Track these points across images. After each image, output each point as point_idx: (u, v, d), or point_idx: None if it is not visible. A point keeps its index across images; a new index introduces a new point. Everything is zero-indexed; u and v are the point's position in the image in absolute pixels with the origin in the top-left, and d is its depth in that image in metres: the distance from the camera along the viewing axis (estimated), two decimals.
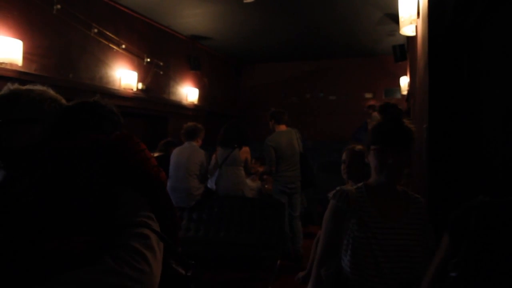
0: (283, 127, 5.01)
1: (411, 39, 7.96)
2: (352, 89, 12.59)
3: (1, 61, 4.97)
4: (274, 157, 4.78)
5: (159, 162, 4.27)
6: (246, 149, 4.79)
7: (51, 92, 1.40)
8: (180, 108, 9.52)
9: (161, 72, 8.71)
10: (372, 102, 11.29)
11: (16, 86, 1.36)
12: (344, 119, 12.28)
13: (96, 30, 6.69)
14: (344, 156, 2.70)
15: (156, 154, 4.97)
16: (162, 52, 8.81)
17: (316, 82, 12.89)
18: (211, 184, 4.99)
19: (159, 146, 5.18)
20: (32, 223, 1.02)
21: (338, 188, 1.83)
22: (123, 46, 7.44)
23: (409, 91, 8.22)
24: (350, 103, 12.57)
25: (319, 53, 11.93)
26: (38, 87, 1.40)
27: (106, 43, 7.04)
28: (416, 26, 3.91)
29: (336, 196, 1.79)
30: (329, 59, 12.49)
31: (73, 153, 1.17)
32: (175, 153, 4.54)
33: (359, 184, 1.83)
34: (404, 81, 9.56)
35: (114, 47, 7.24)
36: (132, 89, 7.60)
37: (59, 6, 5.86)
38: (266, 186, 5.43)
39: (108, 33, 7.02)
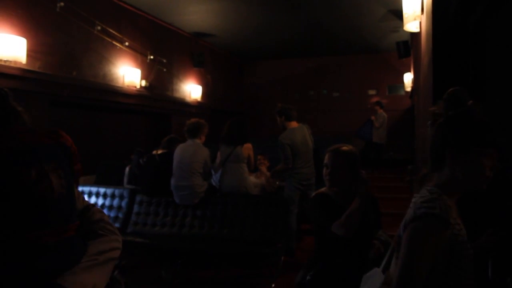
0: (294, 124, 4.93)
1: (415, 36, 7.93)
2: (356, 86, 12.56)
3: (6, 59, 4.98)
4: (290, 155, 4.72)
5: (163, 159, 4.27)
6: (248, 145, 4.76)
7: None
8: (184, 105, 9.53)
9: (164, 69, 8.71)
10: (377, 99, 11.24)
11: None
12: (347, 116, 12.25)
13: (99, 28, 6.70)
14: (326, 159, 2.32)
15: (159, 152, 4.97)
16: (165, 49, 8.81)
17: (319, 79, 12.87)
18: (215, 181, 4.99)
19: (162, 143, 5.18)
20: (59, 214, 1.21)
21: (429, 195, 1.37)
22: (126, 44, 7.44)
23: (413, 87, 8.21)
24: (353, 99, 12.55)
25: (322, 50, 11.90)
26: None
27: (109, 40, 7.05)
28: (420, 22, 3.89)
29: (438, 207, 1.33)
30: (332, 56, 12.45)
31: (51, 149, 1.27)
32: (178, 150, 4.53)
33: (431, 188, 1.41)
34: (408, 78, 9.53)
35: (118, 44, 7.25)
36: (135, 87, 7.60)
37: (62, 4, 5.87)
38: (277, 182, 5.45)
39: (111, 30, 7.03)
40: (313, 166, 4.90)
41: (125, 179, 5.40)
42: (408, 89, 9.56)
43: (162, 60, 8.56)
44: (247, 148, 4.72)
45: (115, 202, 4.77)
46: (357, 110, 12.21)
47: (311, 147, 4.91)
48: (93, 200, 4.81)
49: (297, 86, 13.11)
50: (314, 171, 4.90)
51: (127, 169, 5.42)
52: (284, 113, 4.90)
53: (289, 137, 4.75)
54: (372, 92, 12.50)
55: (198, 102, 10.10)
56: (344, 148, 2.32)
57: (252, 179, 5.06)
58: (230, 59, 12.43)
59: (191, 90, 9.91)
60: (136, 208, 4.68)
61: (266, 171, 5.84)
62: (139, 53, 7.90)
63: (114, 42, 7.16)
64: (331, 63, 12.63)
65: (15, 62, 5.11)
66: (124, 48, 7.40)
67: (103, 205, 4.77)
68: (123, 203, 4.73)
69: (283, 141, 4.74)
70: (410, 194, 7.69)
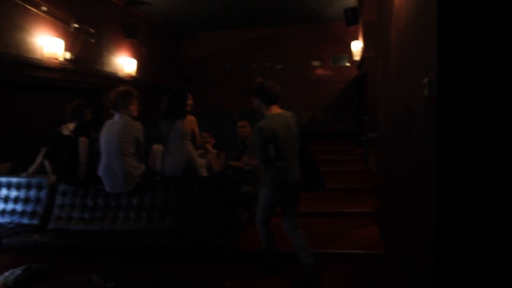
0: (276, 109, 3.59)
1: (365, 2, 7.54)
2: (299, 57, 12.20)
3: None
4: (259, 149, 3.46)
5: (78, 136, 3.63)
6: (191, 118, 4.07)
7: None
8: (116, 80, 8.59)
9: (93, 40, 7.77)
10: (321, 70, 10.93)
11: None
12: (291, 88, 11.86)
13: None
14: None
15: (71, 127, 4.09)
16: (92, 18, 7.84)
17: (262, 50, 12.39)
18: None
19: (68, 114, 4.24)
20: None
21: None
22: (45, 9, 6.43)
23: (363, 55, 7.86)
24: (297, 71, 12.18)
25: (264, 19, 11.31)
26: None
27: (22, 3, 6.01)
28: None
29: None
30: (275, 26, 11.94)
31: None
32: (104, 129, 3.79)
33: None
34: (356, 46, 9.15)
35: (33, 9, 6.23)
36: (57, 59, 6.65)
37: None
38: (232, 163, 4.96)
39: None
40: (298, 169, 3.61)
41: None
42: (357, 58, 9.22)
43: (89, 30, 7.61)
44: (190, 122, 4.05)
45: (32, 193, 3.96)
46: (301, 82, 11.93)
47: (297, 142, 3.65)
48: (3, 193, 3.99)
49: (239, 59, 12.55)
50: (300, 175, 3.62)
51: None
52: (262, 93, 3.53)
53: (268, 127, 3.42)
54: (316, 63, 12.23)
55: (132, 77, 9.22)
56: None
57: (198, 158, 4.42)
58: (166, 30, 11.55)
59: (124, 63, 9.00)
60: (59, 200, 3.90)
61: (212, 149, 5.23)
62: (61, 21, 6.89)
63: (29, 7, 6.14)
64: (273, 33, 12.15)
65: None
66: (41, 14, 6.39)
67: (17, 198, 3.97)
68: (42, 194, 3.95)
69: (258, 131, 3.45)
70: (362, 167, 7.40)
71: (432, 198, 1.74)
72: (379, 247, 4.02)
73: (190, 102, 4.16)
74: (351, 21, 8.06)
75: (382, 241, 4.09)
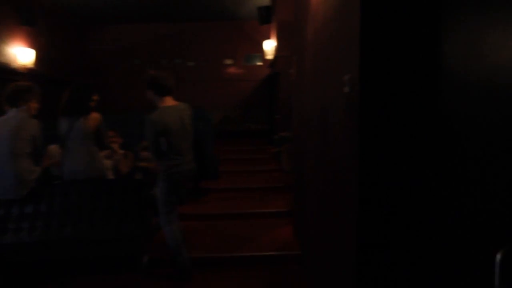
0: (169, 101, 3.56)
1: (278, 1, 7.56)
2: (212, 55, 12.05)
3: None
4: (156, 143, 3.42)
5: None
6: (95, 115, 3.69)
7: None
8: (8, 72, 7.74)
9: None
10: (234, 68, 10.89)
11: None
12: (203, 86, 11.73)
13: None
14: None
15: None
16: None
17: (173, 46, 12.05)
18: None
19: None
20: None
21: None
22: None
23: (276, 55, 7.90)
24: (209, 69, 12.02)
25: (176, 14, 10.98)
26: None
27: None
28: None
29: None
30: (188, 22, 11.68)
31: None
32: None
33: None
34: (269, 45, 9.18)
35: None
36: None
37: None
38: (142, 164, 4.58)
39: None
40: (193, 161, 3.66)
41: None
42: (269, 57, 9.26)
43: None
44: (95, 119, 3.68)
45: None
46: (213, 80, 11.82)
47: (191, 134, 3.65)
48: None
49: (149, 55, 12.09)
50: (195, 167, 3.69)
51: None
52: (154, 85, 3.51)
53: (160, 119, 3.39)
54: (229, 61, 12.17)
55: (29, 69, 8.38)
56: None
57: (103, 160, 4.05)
58: (70, 21, 10.73)
59: (19, 53, 8.14)
60: None
61: (119, 149, 4.88)
62: None
63: None
64: (185, 30, 11.90)
65: None
66: None
67: None
68: None
69: (149, 124, 3.39)
70: (275, 165, 7.43)
71: (355, 195, 1.69)
72: (294, 247, 3.99)
73: (95, 97, 3.80)
74: (264, 20, 8.05)
75: (297, 241, 4.07)
